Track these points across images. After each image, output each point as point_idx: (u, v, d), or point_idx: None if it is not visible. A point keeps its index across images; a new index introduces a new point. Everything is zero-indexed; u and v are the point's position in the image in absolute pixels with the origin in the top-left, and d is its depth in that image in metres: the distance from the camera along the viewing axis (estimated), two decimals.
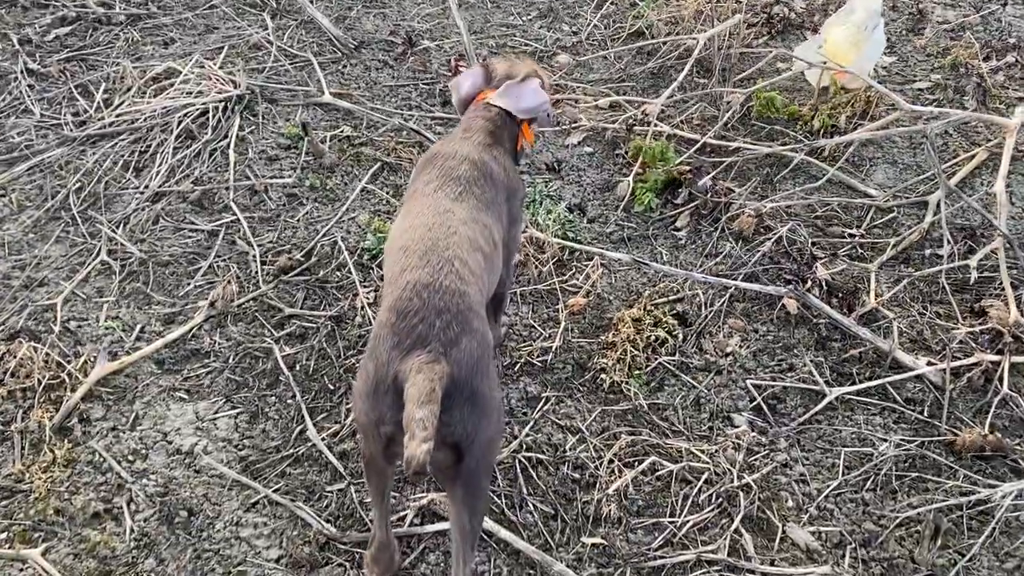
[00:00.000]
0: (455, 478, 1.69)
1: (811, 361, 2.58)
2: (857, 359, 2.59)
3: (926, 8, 4.28)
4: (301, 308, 2.74)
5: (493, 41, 4.10)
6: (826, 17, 4.13)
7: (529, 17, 4.31)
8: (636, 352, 2.57)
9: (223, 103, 3.53)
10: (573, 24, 4.27)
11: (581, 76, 3.88)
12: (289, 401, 2.47)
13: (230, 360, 2.58)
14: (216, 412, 2.44)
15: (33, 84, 3.64)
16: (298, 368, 2.56)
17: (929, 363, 2.53)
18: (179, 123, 3.41)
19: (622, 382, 2.50)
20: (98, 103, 3.54)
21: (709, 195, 3.13)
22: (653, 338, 2.61)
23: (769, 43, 4.07)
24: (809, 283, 2.76)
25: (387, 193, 3.20)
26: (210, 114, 3.48)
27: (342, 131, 3.46)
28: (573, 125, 3.54)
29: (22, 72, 3.68)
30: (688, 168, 3.23)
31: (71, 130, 3.41)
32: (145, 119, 3.44)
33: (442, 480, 1.80)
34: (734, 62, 3.78)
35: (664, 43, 3.91)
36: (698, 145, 3.34)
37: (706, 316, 2.71)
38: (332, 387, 2.50)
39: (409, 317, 1.64)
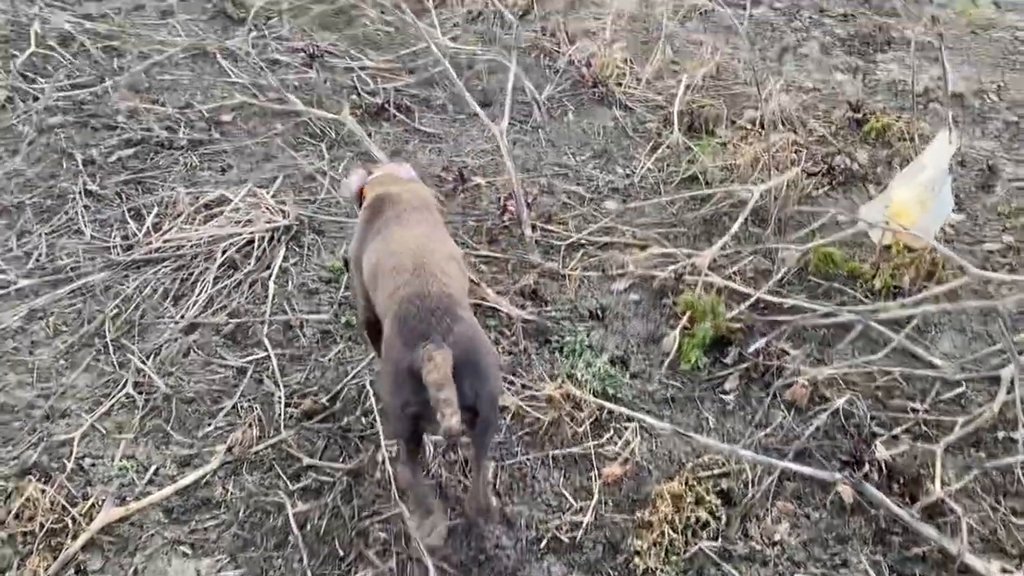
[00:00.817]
0: (474, 427, 2.14)
1: (867, 559, 2.33)
2: (920, 559, 2.33)
3: (996, 164, 4.12)
4: (320, 459, 2.61)
5: (545, 180, 4.07)
6: (890, 169, 4.01)
7: (583, 157, 4.29)
8: (674, 535, 2.36)
9: (270, 233, 3.53)
10: (627, 166, 4.22)
11: (631, 219, 3.80)
12: (295, 566, 2.31)
13: (240, 513, 2.45)
14: (219, 572, 2.28)
15: (89, 205, 3.70)
16: (309, 528, 2.41)
17: (1004, 571, 2.25)
18: (223, 252, 3.41)
19: (657, 569, 2.28)
20: (147, 227, 3.57)
21: (761, 357, 2.95)
22: (694, 519, 2.40)
23: (829, 194, 3.95)
24: (867, 465, 2.53)
25: None
26: (255, 244, 3.47)
27: None
28: (619, 271, 3.43)
29: (80, 193, 3.75)
30: (739, 326, 3.07)
31: (118, 254, 3.43)
32: (191, 246, 3.44)
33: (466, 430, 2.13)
34: (791, 213, 3.66)
35: (718, 193, 3.81)
36: (751, 301, 3.19)
37: (753, 496, 2.49)
38: (342, 553, 2.34)
39: (410, 321, 2.09)
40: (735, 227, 3.50)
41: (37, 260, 3.39)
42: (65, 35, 5.08)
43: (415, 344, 2.01)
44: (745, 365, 2.95)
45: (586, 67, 4.94)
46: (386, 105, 4.55)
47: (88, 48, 4.98)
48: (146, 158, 4.07)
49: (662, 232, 3.69)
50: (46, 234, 3.54)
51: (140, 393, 2.83)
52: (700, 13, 5.98)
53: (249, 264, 3.39)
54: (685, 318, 3.12)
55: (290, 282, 3.33)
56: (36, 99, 4.42)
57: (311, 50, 5.06)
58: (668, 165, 4.19)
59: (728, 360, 3.00)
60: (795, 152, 4.07)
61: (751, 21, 5.49)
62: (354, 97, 4.63)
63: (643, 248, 3.57)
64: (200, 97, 4.61)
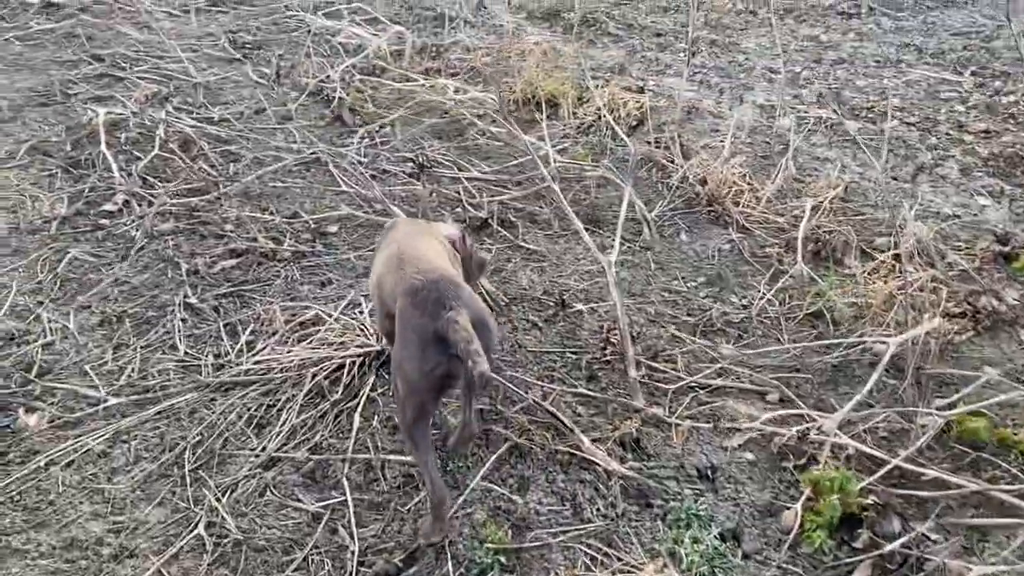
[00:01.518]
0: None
1: None
2: None
3: None
4: None
5: (652, 308, 3.80)
6: None
7: (695, 283, 4.01)
8: None
9: (361, 357, 3.38)
10: (743, 295, 3.91)
11: (748, 360, 3.47)
12: None
13: None
14: None
15: (187, 319, 3.66)
16: None
17: None
18: (312, 377, 3.28)
19: None
20: (241, 345, 3.49)
21: (897, 544, 2.55)
22: None
23: (974, 340, 3.52)
24: None
25: (511, 489, 2.84)
26: (346, 369, 3.33)
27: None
28: (733, 424, 3.10)
29: (180, 305, 3.73)
30: (871, 501, 2.68)
31: (208, 374, 3.35)
32: (281, 369, 3.33)
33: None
34: (932, 363, 3.25)
35: (848, 337, 3.45)
36: (885, 470, 2.79)
37: None
38: None
39: (421, 292, 2.42)
40: (869, 385, 3.12)
41: (129, 376, 3.34)
42: (187, 138, 5.23)
43: (436, 312, 2.33)
44: (879, 552, 2.55)
45: (701, 184, 4.70)
46: (490, 219, 4.42)
47: (206, 152, 5.10)
48: (248, 269, 4.04)
49: (783, 377, 3.34)
50: (141, 347, 3.50)
51: (211, 535, 2.67)
52: (826, 126, 5.68)
53: (337, 392, 3.24)
54: (809, 489, 2.74)
55: (376, 416, 3.15)
56: (150, 204, 4.50)
57: (420, 159, 5.03)
58: (790, 297, 3.85)
59: (858, 544, 2.61)
60: (933, 291, 3.67)
61: (882, 136, 5.14)
62: (459, 210, 4.53)
63: (761, 396, 3.23)
64: (309, 205, 4.61)
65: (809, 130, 5.68)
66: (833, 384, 3.31)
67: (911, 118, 5.78)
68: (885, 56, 7.12)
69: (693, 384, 3.32)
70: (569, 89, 5.90)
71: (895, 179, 4.90)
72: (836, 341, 3.46)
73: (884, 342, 3.21)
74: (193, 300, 3.76)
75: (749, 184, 4.76)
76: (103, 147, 4.98)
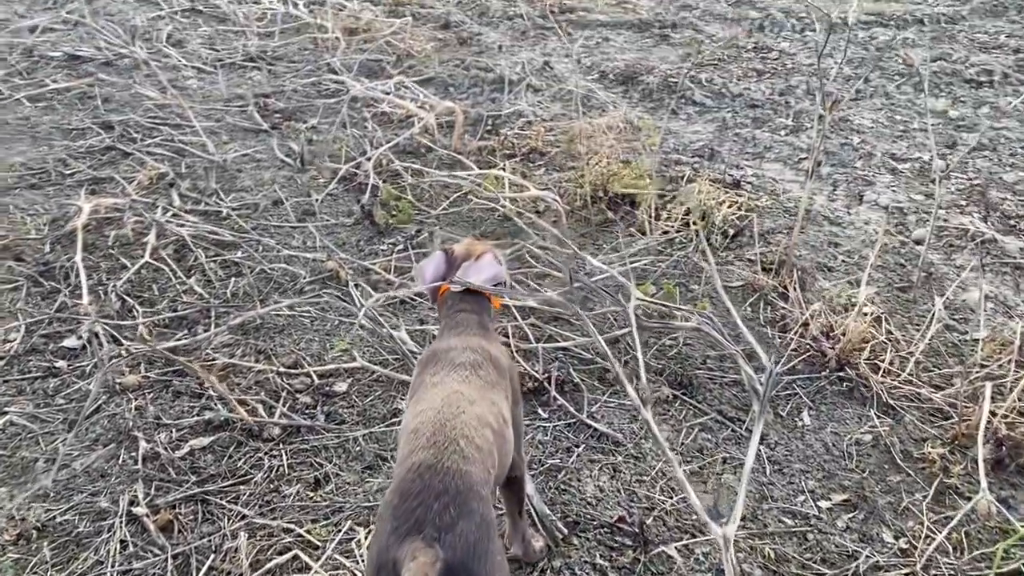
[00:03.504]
0: None
1: None
2: None
3: None
4: None
5: (770, 547, 2.68)
6: None
7: (828, 503, 2.88)
8: None
9: None
10: (899, 527, 2.77)
11: None
12: None
13: None
14: None
15: (127, 542, 2.67)
16: None
17: None
18: None
19: None
20: None
21: None
22: None
23: None
24: None
25: None
26: None
27: None
28: None
29: (122, 516, 2.75)
30: None
31: None
32: None
33: None
34: None
35: None
36: None
37: None
38: None
39: (409, 499, 1.71)
40: None
41: None
42: (184, 244, 4.31)
43: (406, 533, 1.66)
44: None
45: (825, 336, 3.57)
46: (547, 382, 3.35)
47: (203, 263, 4.17)
48: (224, 453, 3.05)
49: None
50: None
51: None
52: (974, 242, 4.49)
53: None
54: None
55: None
56: (119, 343, 3.57)
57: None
58: (971, 539, 2.69)
59: None
60: None
61: None
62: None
63: None
64: (316, 347, 3.62)
65: (950, 246, 4.50)
66: None
67: None
68: None
69: None
70: (649, 184, 4.83)
71: None
72: None
73: None
74: (141, 510, 2.77)
75: (889, 336, 3.61)
76: (78, 256, 4.07)
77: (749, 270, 4.20)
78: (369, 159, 5.13)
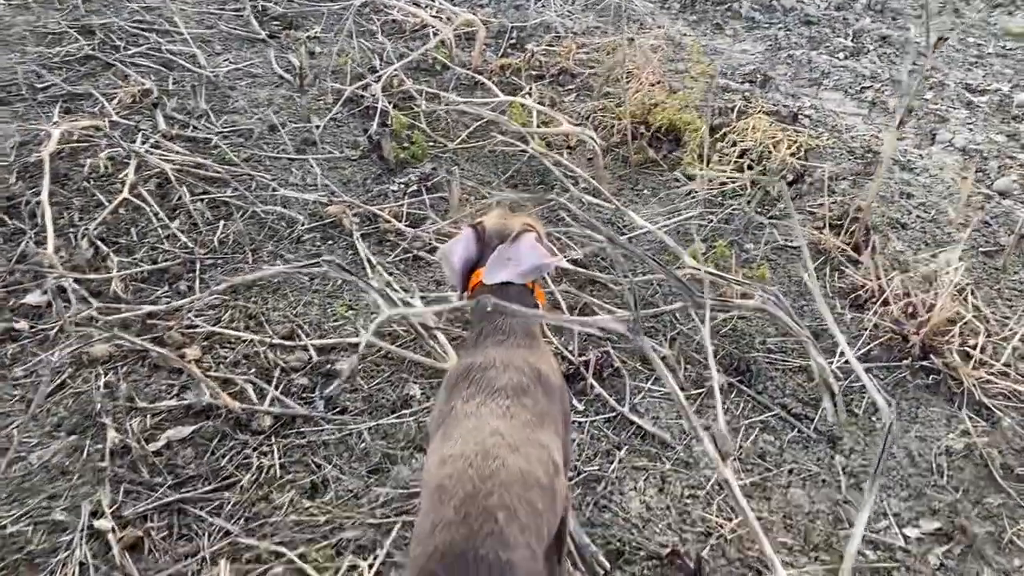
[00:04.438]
0: None
1: None
2: None
3: None
4: None
5: None
6: None
7: (919, 529, 2.44)
8: None
9: None
10: (1000, 559, 2.33)
11: None
12: None
13: None
14: None
15: (86, 564, 2.26)
16: None
17: None
18: None
19: None
20: None
21: None
22: None
23: None
24: None
25: None
26: None
27: None
28: None
29: (83, 533, 2.32)
30: None
31: None
32: None
33: None
34: None
35: None
36: None
37: None
38: None
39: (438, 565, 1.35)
40: None
41: None
42: (167, 179, 3.78)
43: None
44: None
45: (907, 316, 3.06)
46: (583, 366, 2.88)
47: (187, 204, 3.65)
48: (205, 448, 2.61)
49: None
50: None
51: None
52: None
53: None
54: None
55: None
56: (89, 300, 3.09)
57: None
58: None
59: None
60: None
61: None
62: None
63: None
64: (315, 314, 3.14)
65: None
66: None
67: None
68: None
69: None
70: (695, 117, 4.23)
71: None
72: None
73: None
74: (106, 524, 2.35)
75: (978, 313, 3.10)
76: (44, 193, 3.55)
77: (811, 225, 3.65)
78: (378, 79, 4.51)
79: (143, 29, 5.29)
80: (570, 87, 4.85)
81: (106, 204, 3.65)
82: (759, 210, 3.73)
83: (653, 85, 4.48)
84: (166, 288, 3.25)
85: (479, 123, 4.35)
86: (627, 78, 4.38)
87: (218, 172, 3.85)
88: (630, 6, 5.90)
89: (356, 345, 2.91)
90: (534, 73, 4.94)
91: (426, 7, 5.41)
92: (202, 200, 3.70)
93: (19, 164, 3.91)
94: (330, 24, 5.49)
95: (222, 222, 3.60)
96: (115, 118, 4.25)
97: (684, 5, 6.11)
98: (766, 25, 5.82)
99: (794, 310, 2.99)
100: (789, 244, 3.55)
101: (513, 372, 1.73)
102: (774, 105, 4.58)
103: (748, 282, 2.96)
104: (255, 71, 4.90)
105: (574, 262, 3.35)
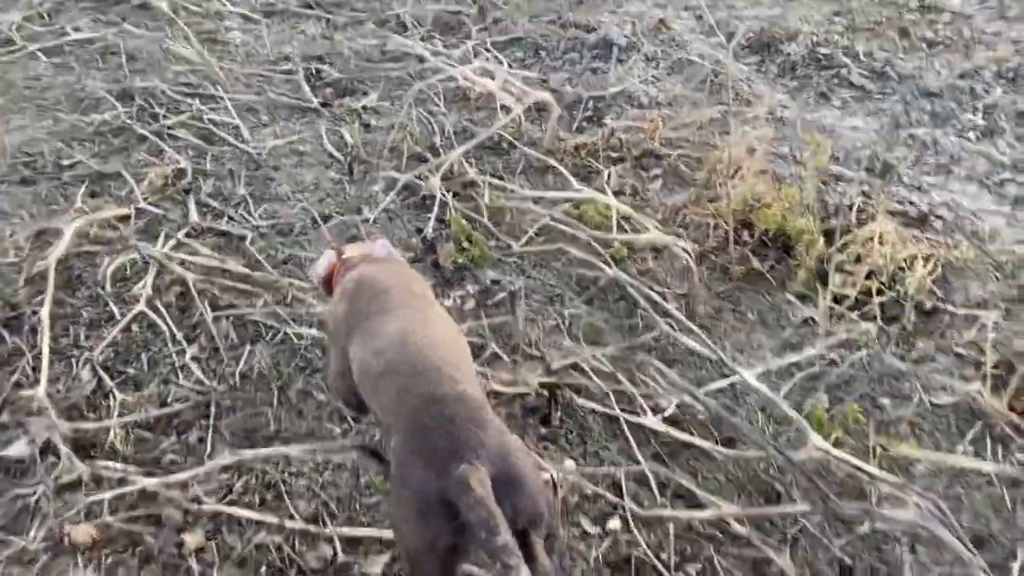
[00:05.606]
0: (531, 547, 1.72)
1: None
2: None
3: None
4: None
5: None
6: None
7: None
8: None
9: None
10: None
11: None
12: None
13: None
14: None
15: None
16: None
17: None
18: None
19: None
20: None
21: None
22: None
23: None
24: None
25: None
26: None
27: None
28: None
29: None
30: None
31: None
32: None
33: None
34: None
35: None
36: None
37: None
38: None
39: (431, 439, 1.74)
40: None
41: None
42: (189, 289, 3.27)
43: (443, 466, 1.66)
44: None
45: None
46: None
47: (207, 321, 3.13)
48: None
49: None
50: None
51: None
52: None
53: None
54: None
55: None
56: (81, 455, 2.56)
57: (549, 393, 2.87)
58: None
59: None
60: None
61: None
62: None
63: None
64: (345, 486, 2.56)
65: None
66: None
67: None
68: None
69: None
70: (808, 220, 3.56)
71: None
72: None
73: None
74: None
75: None
76: (46, 311, 3.07)
77: (959, 372, 2.95)
78: (438, 168, 3.96)
79: (186, 94, 4.86)
80: (655, 172, 4.23)
81: (118, 317, 3.16)
82: (896, 350, 3.03)
83: (757, 174, 3.82)
84: (173, 439, 2.71)
85: (550, 220, 3.75)
86: (728, 169, 3.73)
87: (248, 283, 3.33)
88: (722, 70, 5.26)
89: (390, 543, 2.32)
90: (613, 155, 4.33)
91: (490, 73, 4.86)
92: (227, 317, 3.17)
93: (30, 261, 3.46)
94: (388, 90, 4.98)
95: (247, 347, 3.07)
96: (142, 205, 3.79)
97: (783, 69, 5.44)
98: (879, 96, 5.11)
99: (951, 507, 2.31)
100: (933, 403, 2.85)
101: (395, 277, 2.28)
102: (898, 202, 3.89)
103: (896, 480, 2.28)
104: (303, 148, 4.40)
105: (665, 419, 2.71)
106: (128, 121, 4.54)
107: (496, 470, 1.67)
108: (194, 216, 3.75)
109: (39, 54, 5.38)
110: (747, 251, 3.55)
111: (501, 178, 4.12)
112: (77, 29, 5.68)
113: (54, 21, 5.86)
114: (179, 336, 3.07)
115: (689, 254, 3.24)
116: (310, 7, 6.15)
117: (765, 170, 3.95)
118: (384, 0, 6.20)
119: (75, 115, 4.66)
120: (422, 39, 5.57)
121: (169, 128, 4.50)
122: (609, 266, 3.33)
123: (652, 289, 3.33)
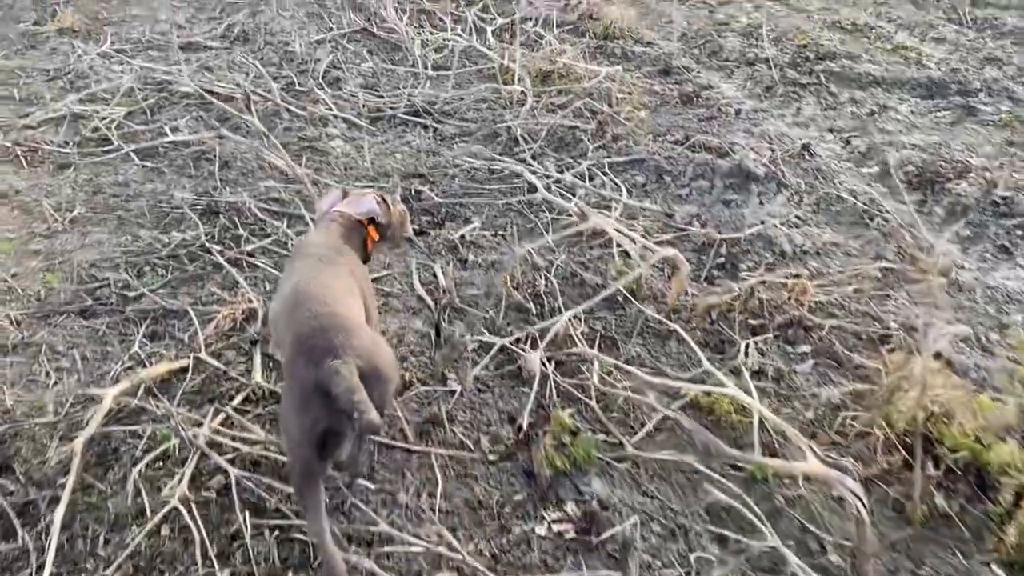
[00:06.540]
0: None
1: None
2: None
3: None
4: None
5: None
6: None
7: None
8: None
9: None
10: None
11: None
12: None
13: None
14: None
15: None
16: None
17: None
18: None
19: None
20: None
21: None
22: None
23: None
24: None
25: None
26: None
27: None
28: None
29: None
30: None
31: None
32: None
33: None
34: None
35: None
36: None
37: None
38: None
39: (308, 340, 2.28)
40: None
41: None
42: (230, 487, 2.72)
43: (319, 361, 2.19)
44: None
45: None
46: None
47: (245, 534, 2.55)
48: None
49: None
50: None
51: None
52: None
53: None
54: None
55: None
56: None
57: None
58: None
59: None
60: None
61: None
62: None
63: None
64: None
65: None
66: None
67: None
68: None
69: None
70: (1014, 448, 2.74)
71: None
72: None
73: None
74: None
75: None
76: (58, 517, 2.56)
77: None
78: (542, 336, 3.34)
79: (274, 212, 4.45)
80: (803, 349, 3.49)
81: (148, 514, 2.62)
82: None
83: (939, 371, 3.04)
84: None
85: (672, 412, 3.06)
86: (906, 370, 2.96)
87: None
88: (878, 212, 4.51)
89: None
90: (752, 322, 3.61)
91: (606, 204, 4.25)
92: (267, 527, 2.59)
93: (63, 428, 3.00)
94: (492, 217, 4.45)
95: None
96: (201, 355, 3.31)
97: (951, 211, 4.63)
98: None
99: None
100: None
101: (325, 248, 2.77)
102: None
103: None
104: (389, 288, 3.88)
105: None
106: (207, 244, 4.13)
107: (364, 364, 2.22)
108: (258, 375, 3.23)
109: (133, 155, 5.12)
110: (931, 485, 2.75)
111: (614, 341, 3.48)
112: (176, 129, 5.42)
113: (156, 118, 5.64)
114: (211, 552, 2.50)
115: (860, 499, 2.46)
116: (417, 115, 5.74)
117: (945, 357, 3.17)
118: (496, 111, 5.73)
119: (155, 231, 4.31)
120: (533, 157, 5.04)
121: (249, 254, 4.07)
122: (751, 506, 2.59)
123: (806, 528, 2.57)
